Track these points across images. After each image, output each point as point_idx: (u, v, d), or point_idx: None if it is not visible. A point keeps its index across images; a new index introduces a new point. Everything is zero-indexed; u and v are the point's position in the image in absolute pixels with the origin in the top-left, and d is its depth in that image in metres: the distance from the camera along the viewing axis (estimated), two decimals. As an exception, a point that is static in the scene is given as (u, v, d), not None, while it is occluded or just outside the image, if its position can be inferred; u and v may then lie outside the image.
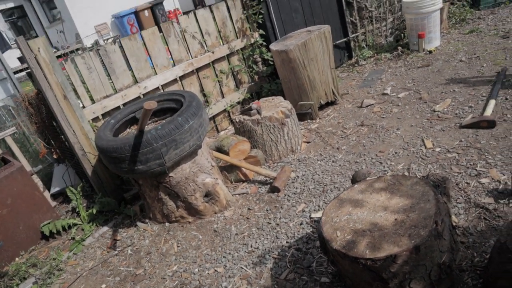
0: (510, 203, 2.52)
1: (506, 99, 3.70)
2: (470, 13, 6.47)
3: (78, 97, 3.76)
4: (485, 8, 6.60)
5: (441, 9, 5.63)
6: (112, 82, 3.99)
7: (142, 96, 4.14)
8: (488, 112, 3.51)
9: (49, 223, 3.71)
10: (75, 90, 3.76)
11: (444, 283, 1.98)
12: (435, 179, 2.33)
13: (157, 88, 4.28)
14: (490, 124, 3.36)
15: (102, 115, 3.90)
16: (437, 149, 3.31)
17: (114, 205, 3.81)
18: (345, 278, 2.14)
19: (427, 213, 1.94)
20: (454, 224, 2.47)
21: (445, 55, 5.22)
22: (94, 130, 3.76)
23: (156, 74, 4.26)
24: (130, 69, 4.13)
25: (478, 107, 3.73)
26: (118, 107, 3.96)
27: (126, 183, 4.03)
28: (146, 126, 3.50)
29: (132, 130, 3.57)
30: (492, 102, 3.62)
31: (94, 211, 3.70)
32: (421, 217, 1.93)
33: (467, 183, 2.82)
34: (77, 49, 14.67)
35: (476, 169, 2.92)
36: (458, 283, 2.10)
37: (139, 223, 3.53)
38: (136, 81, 4.13)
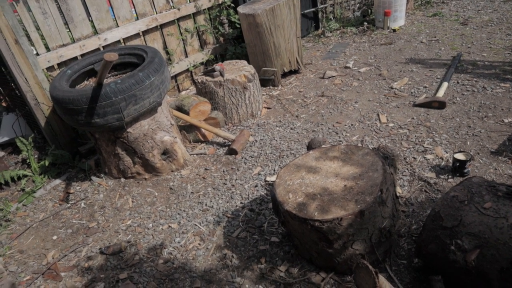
0: (449, 179, 2.72)
1: (458, 82, 3.90)
2: (435, -4, 6.65)
3: (32, 44, 3.56)
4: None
5: (408, -11, 5.75)
6: (69, 30, 3.79)
7: (102, 48, 3.99)
8: (440, 93, 3.70)
9: (-4, 172, 3.57)
10: (28, 36, 3.55)
11: (383, 246, 2.15)
12: (385, 151, 2.47)
13: (118, 42, 4.12)
14: (440, 105, 3.55)
15: (58, 64, 3.73)
16: (391, 125, 3.47)
17: (68, 158, 3.72)
18: (294, 238, 2.26)
19: (374, 181, 2.07)
20: (398, 194, 2.64)
21: (407, 35, 5.36)
22: (48, 80, 3.59)
23: (118, 26, 4.09)
24: (90, 19, 3.94)
25: (432, 88, 3.92)
26: (76, 58, 3.80)
27: (81, 136, 3.93)
28: (105, 80, 3.39)
29: (90, 83, 3.45)
30: (445, 85, 3.81)
31: (47, 163, 3.59)
32: (368, 184, 2.06)
33: (414, 158, 3.00)
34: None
35: (423, 146, 3.11)
36: (395, 246, 2.29)
37: (93, 178, 3.49)
38: (96, 32, 3.96)
